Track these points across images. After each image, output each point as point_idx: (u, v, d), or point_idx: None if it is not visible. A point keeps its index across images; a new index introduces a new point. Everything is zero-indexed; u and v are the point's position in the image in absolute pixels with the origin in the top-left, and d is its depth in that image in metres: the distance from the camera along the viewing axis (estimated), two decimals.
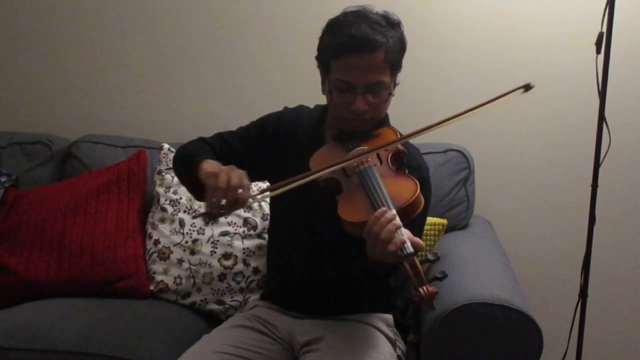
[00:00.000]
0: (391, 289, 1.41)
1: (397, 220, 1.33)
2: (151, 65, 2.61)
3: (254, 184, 2.13)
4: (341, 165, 1.50)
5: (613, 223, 2.45)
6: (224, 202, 1.42)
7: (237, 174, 1.44)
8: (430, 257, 1.35)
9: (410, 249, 1.30)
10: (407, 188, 1.44)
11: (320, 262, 1.68)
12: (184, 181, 1.73)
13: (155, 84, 2.61)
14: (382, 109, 1.62)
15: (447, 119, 1.51)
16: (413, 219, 1.42)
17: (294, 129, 1.74)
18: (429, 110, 2.47)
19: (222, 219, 2.11)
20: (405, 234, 1.33)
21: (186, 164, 1.63)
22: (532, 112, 2.47)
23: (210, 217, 1.46)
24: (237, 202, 1.43)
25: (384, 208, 1.36)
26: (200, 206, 2.15)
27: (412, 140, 1.77)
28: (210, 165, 1.51)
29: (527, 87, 1.50)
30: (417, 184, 1.45)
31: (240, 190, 1.42)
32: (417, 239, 1.34)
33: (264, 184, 2.08)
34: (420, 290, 1.27)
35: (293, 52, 2.50)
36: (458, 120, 1.51)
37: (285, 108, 1.82)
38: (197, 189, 1.55)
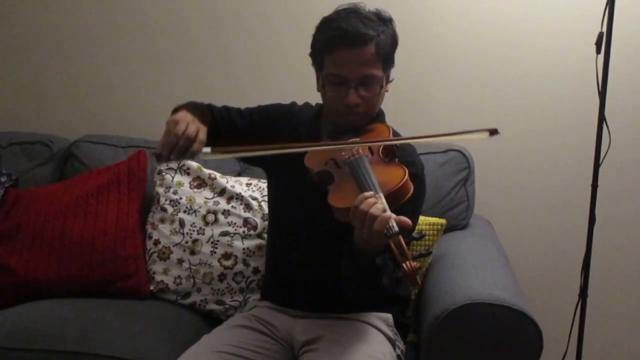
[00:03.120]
0: (378, 267, 1.43)
1: (379, 204, 1.36)
2: (151, 65, 2.61)
3: (255, 181, 2.14)
4: (325, 148, 1.54)
5: (613, 223, 2.45)
6: (175, 148, 1.48)
7: (195, 127, 1.51)
8: (415, 235, 1.37)
9: (395, 228, 1.33)
10: (396, 174, 1.47)
11: (319, 260, 1.69)
12: None
13: (156, 84, 2.61)
14: (375, 103, 1.63)
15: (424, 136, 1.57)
16: (403, 206, 1.43)
17: (294, 125, 1.76)
18: (427, 110, 2.48)
19: (222, 219, 2.12)
20: (391, 214, 1.35)
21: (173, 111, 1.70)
22: (532, 112, 2.47)
23: (159, 158, 1.51)
24: (186, 152, 1.49)
25: (371, 192, 1.39)
26: None
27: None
28: (178, 114, 1.57)
29: (492, 132, 1.51)
30: (405, 171, 1.47)
31: (192, 142, 1.48)
32: (403, 218, 1.35)
33: (264, 184, 2.09)
34: (404, 265, 1.30)
35: (295, 52, 2.49)
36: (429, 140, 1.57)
37: (293, 103, 1.84)
38: None
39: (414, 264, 1.30)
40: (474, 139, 1.56)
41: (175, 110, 1.65)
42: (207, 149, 1.51)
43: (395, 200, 1.42)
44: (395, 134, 1.68)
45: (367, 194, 1.38)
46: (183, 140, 1.48)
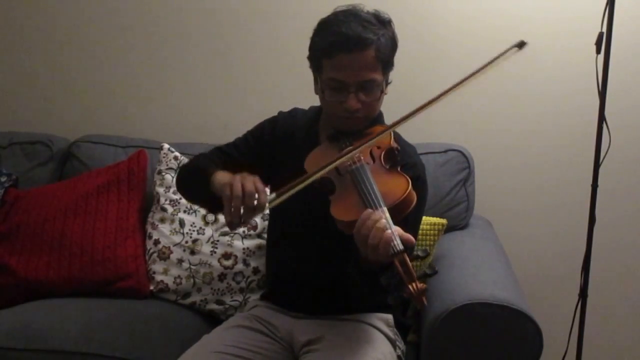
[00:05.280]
0: (383, 287, 1.42)
1: (382, 222, 1.34)
2: (151, 65, 2.61)
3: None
4: (337, 163, 1.51)
5: (613, 223, 2.45)
6: (242, 210, 1.44)
7: (250, 180, 1.46)
8: (419, 253, 1.33)
9: (399, 246, 1.31)
10: (399, 186, 1.45)
11: (319, 261, 1.69)
12: (194, 196, 1.75)
13: (156, 84, 2.61)
14: (374, 107, 1.63)
15: (443, 93, 1.53)
16: (406, 216, 1.43)
17: (290, 131, 1.75)
18: (426, 110, 2.47)
19: (222, 219, 2.10)
20: (396, 231, 1.33)
21: (196, 180, 1.65)
22: (532, 111, 2.47)
23: (232, 226, 1.48)
24: (256, 208, 1.44)
25: (370, 210, 1.37)
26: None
27: (411, 140, 1.78)
28: (222, 176, 1.53)
29: (521, 45, 1.51)
30: (408, 181, 1.46)
31: (256, 196, 1.44)
32: (407, 235, 1.34)
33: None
34: (410, 287, 1.27)
35: (293, 51, 2.50)
36: (452, 93, 1.54)
37: (280, 112, 1.83)
38: (211, 202, 1.58)
39: (420, 285, 1.27)
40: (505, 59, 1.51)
41: (199, 178, 1.61)
42: (272, 195, 1.47)
43: (399, 213, 1.41)
44: (396, 135, 1.68)
45: (365, 214, 1.36)
46: (247, 198, 1.43)
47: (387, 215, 1.36)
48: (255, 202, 1.43)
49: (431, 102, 1.52)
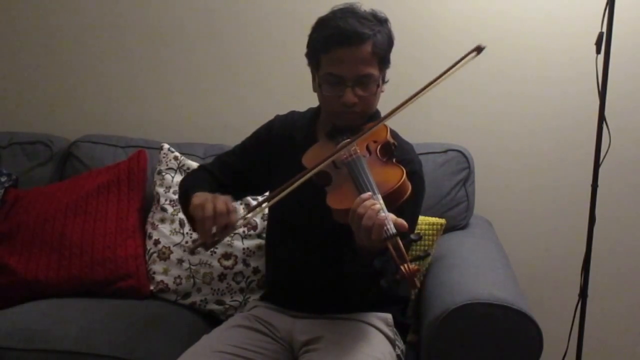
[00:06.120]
0: (376, 270, 1.43)
1: (377, 206, 1.35)
2: (151, 65, 2.61)
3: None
4: (329, 160, 1.53)
5: (613, 223, 2.45)
6: (214, 229, 1.49)
7: (221, 200, 1.51)
8: (413, 237, 1.36)
9: (392, 230, 1.32)
10: (394, 175, 1.47)
11: (318, 260, 1.69)
12: (185, 215, 1.79)
13: (156, 84, 2.61)
14: (371, 102, 1.64)
15: (414, 95, 1.56)
16: (401, 207, 1.44)
17: (288, 133, 1.77)
18: (426, 110, 2.47)
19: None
20: (389, 216, 1.35)
21: (183, 202, 1.73)
22: (532, 112, 2.47)
23: (206, 246, 1.53)
24: (227, 226, 1.50)
25: (368, 193, 1.39)
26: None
27: (411, 140, 1.78)
28: (197, 198, 1.55)
29: (478, 50, 1.55)
30: (403, 171, 1.47)
31: (227, 215, 1.48)
32: (400, 220, 1.35)
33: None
34: (402, 268, 1.29)
35: (293, 51, 2.48)
36: (426, 93, 1.58)
37: (277, 116, 1.85)
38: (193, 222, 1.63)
39: (412, 266, 1.29)
40: (466, 64, 1.57)
41: (186, 197, 1.64)
42: (242, 214, 1.51)
43: (394, 201, 1.42)
44: (393, 132, 1.68)
45: (364, 195, 1.38)
46: (219, 218, 1.48)
47: (382, 202, 1.38)
48: (227, 221, 1.48)
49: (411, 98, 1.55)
